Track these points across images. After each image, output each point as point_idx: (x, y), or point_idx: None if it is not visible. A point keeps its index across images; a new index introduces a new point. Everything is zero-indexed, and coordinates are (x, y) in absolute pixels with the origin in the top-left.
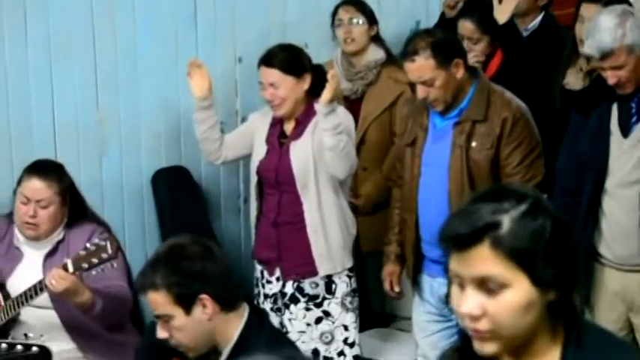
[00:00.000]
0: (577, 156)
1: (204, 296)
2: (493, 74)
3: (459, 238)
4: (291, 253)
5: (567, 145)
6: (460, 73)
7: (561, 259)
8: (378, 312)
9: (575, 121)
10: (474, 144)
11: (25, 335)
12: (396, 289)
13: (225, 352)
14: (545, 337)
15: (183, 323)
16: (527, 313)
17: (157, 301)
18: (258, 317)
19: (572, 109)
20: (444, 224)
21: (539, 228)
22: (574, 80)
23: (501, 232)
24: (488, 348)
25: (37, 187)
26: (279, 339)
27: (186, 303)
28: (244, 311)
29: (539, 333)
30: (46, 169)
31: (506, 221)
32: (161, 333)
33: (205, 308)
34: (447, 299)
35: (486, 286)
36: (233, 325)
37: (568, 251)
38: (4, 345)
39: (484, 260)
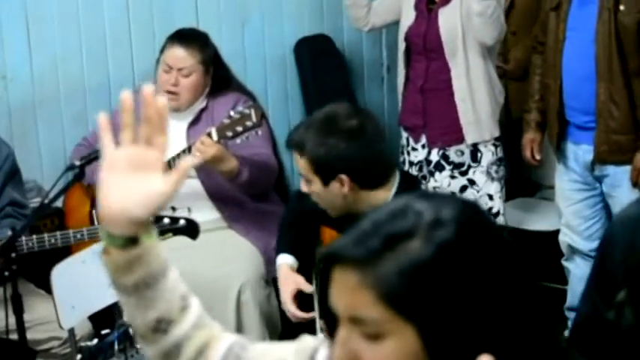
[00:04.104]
0: None
1: (342, 176)
2: None
3: None
4: (438, 119)
5: None
6: None
7: None
8: (518, 179)
9: None
10: (622, 7)
11: (173, 208)
12: (537, 156)
13: None
14: None
15: (319, 190)
16: None
17: (301, 163)
18: (408, 185)
19: None
20: None
21: None
22: None
23: None
24: None
25: (179, 55)
26: None
27: (324, 176)
28: (394, 183)
29: None
30: (189, 37)
31: None
32: (303, 186)
33: (342, 186)
34: (592, 166)
35: None
36: (381, 197)
37: None
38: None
39: None
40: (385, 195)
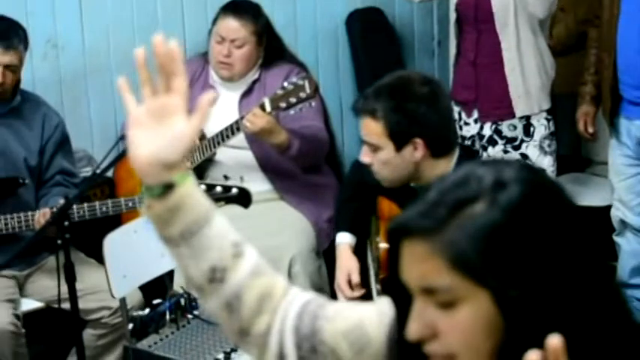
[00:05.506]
0: None
1: (418, 140)
2: None
3: None
4: (489, 93)
5: None
6: None
7: None
8: (568, 155)
9: None
10: None
11: (225, 177)
12: (590, 130)
13: None
14: None
15: (390, 158)
16: None
17: (372, 129)
18: (468, 157)
19: None
20: None
21: None
22: None
23: None
24: None
25: (232, 26)
26: None
27: (398, 141)
28: (455, 155)
29: None
30: (242, 8)
31: None
32: (365, 157)
33: (415, 151)
34: None
35: None
36: (442, 168)
37: None
38: (202, 186)
39: None
40: (447, 166)
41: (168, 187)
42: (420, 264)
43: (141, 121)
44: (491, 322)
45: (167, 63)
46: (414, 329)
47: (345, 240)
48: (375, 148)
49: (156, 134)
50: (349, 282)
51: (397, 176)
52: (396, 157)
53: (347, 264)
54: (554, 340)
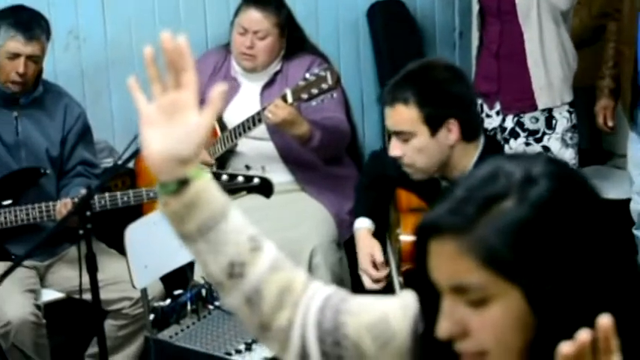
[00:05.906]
0: None
1: (452, 121)
2: None
3: None
4: (512, 85)
5: None
6: None
7: None
8: (588, 149)
9: None
10: None
11: (247, 167)
12: (610, 123)
13: None
14: None
15: (425, 144)
16: None
17: (405, 116)
18: (493, 148)
19: None
20: None
21: None
22: None
23: None
24: None
25: (254, 17)
26: None
27: (433, 124)
28: (480, 143)
29: None
30: (264, 0)
31: None
32: (395, 150)
33: (450, 133)
34: None
35: None
36: (469, 155)
37: None
38: (225, 176)
39: None
40: (474, 153)
41: (183, 183)
42: (450, 262)
43: (152, 118)
44: (522, 318)
45: (176, 59)
46: (444, 328)
47: (364, 225)
48: (407, 137)
49: (168, 131)
50: (373, 263)
51: (432, 163)
52: (431, 141)
53: (368, 245)
54: (605, 320)
